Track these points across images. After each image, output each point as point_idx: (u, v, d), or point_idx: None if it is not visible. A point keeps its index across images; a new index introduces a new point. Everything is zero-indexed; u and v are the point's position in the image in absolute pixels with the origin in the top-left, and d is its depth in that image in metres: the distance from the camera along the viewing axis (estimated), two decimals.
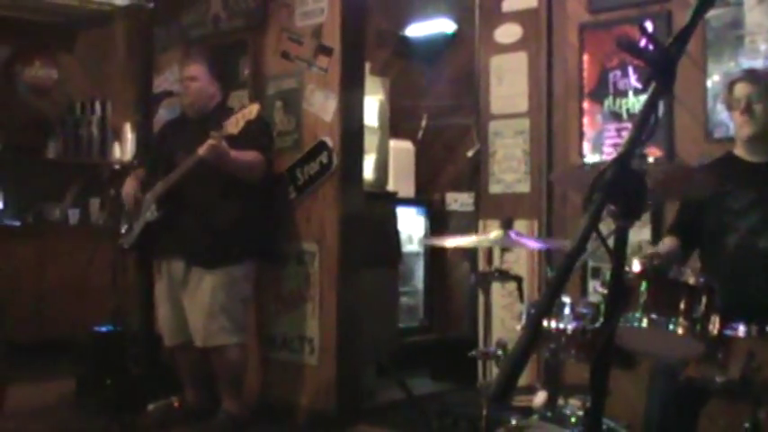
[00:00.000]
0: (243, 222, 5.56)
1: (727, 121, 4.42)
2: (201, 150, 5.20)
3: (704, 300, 3.04)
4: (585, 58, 5.28)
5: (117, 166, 8.58)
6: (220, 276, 5.47)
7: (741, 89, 3.95)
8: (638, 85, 5.05)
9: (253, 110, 5.28)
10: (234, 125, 5.20)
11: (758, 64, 4.52)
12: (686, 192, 3.85)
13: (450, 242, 4.84)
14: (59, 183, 8.62)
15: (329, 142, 5.81)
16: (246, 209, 5.60)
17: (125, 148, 8.65)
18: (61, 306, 7.73)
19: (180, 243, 5.56)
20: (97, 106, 8.87)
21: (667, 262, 3.58)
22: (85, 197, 8.75)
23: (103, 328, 6.30)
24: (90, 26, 8.87)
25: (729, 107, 4.08)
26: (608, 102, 5.18)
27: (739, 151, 4.08)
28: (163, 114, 6.73)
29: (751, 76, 4.01)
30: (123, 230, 5.80)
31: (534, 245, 4.72)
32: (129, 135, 8.57)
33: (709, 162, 4.27)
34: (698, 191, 3.73)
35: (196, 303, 5.50)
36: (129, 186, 5.76)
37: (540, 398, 3.53)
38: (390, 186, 7.71)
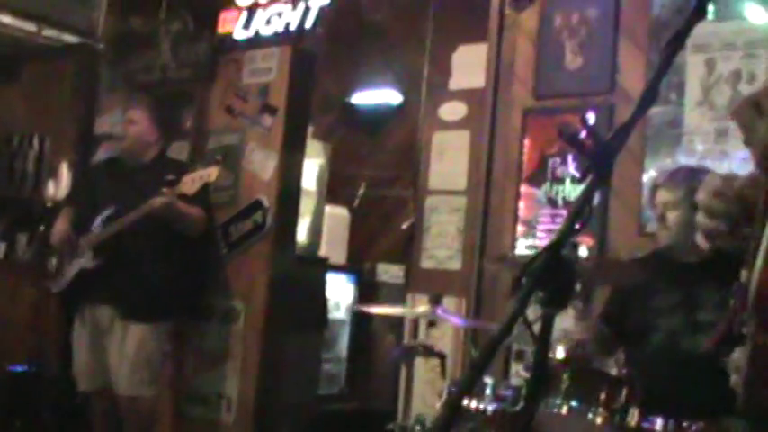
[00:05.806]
0: (175, 278, 5.50)
1: None
2: (155, 204, 5.13)
3: (625, 391, 3.07)
4: (527, 142, 5.34)
5: (49, 204, 8.48)
6: (148, 330, 5.36)
7: (660, 196, 3.90)
8: (576, 174, 5.11)
9: (212, 173, 5.19)
10: (189, 185, 5.14)
11: (693, 161, 4.59)
12: (614, 282, 3.89)
13: (378, 310, 4.81)
14: None
15: (265, 202, 5.79)
16: (180, 265, 5.54)
17: (59, 187, 8.53)
18: None
19: (110, 292, 5.39)
20: (35, 141, 8.77)
21: (593, 349, 3.61)
22: (13, 232, 8.61)
23: (18, 368, 6.16)
24: (36, 60, 8.77)
25: (652, 210, 4.09)
26: (545, 187, 5.23)
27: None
28: (100, 155, 6.68)
29: (670, 182, 3.91)
30: (51, 269, 5.67)
31: (460, 322, 4.73)
32: (64, 173, 8.46)
33: (640, 257, 4.23)
34: (625, 282, 3.77)
35: (121, 353, 5.37)
36: (62, 225, 5.64)
37: None
38: (322, 252, 7.68)
